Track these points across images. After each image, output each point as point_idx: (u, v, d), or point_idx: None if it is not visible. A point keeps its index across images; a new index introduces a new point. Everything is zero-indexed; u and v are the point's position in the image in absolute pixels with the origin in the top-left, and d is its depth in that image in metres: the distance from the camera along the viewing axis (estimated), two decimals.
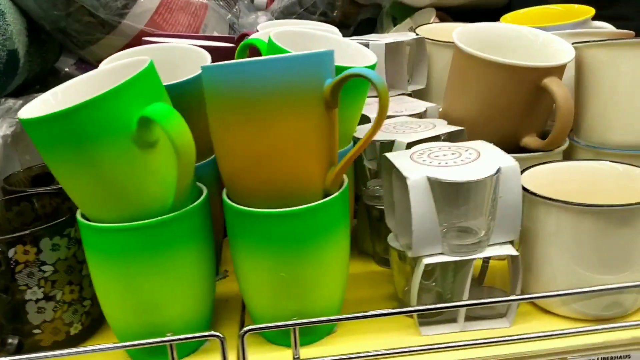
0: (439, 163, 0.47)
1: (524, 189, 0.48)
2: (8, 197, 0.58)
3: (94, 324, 0.54)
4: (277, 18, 1.09)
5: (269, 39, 0.51)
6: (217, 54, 0.57)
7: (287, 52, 0.49)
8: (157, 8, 0.75)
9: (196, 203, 0.46)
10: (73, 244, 0.51)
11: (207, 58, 0.55)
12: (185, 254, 0.46)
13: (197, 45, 0.59)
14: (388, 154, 0.51)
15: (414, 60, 0.77)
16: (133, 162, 0.42)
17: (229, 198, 0.46)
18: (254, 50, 0.59)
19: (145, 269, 0.45)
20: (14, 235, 0.48)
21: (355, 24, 1.04)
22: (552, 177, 0.53)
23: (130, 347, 0.47)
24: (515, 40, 0.61)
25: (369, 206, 0.60)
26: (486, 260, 0.55)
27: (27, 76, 0.77)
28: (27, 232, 0.48)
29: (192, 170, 0.42)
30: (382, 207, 0.58)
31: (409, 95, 0.75)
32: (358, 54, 0.55)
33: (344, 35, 0.91)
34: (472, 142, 0.51)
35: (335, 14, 1.08)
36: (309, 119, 0.42)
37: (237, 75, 0.41)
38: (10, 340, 0.50)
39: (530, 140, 0.58)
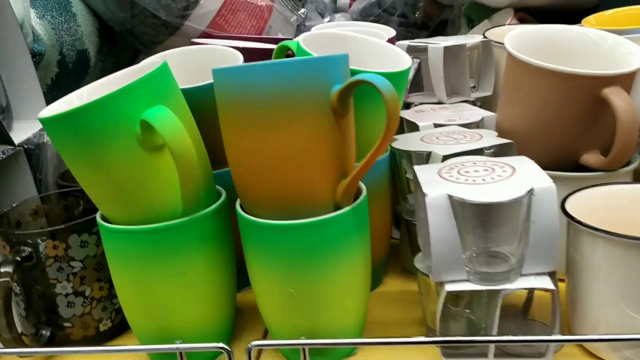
0: (466, 180, 0.43)
1: (566, 214, 0.43)
2: (57, 191, 0.60)
3: (123, 321, 0.55)
4: (355, 19, 1.06)
5: (298, 42, 0.49)
6: (260, 57, 0.56)
7: (309, 54, 0.47)
8: (220, 9, 0.76)
9: (209, 209, 0.45)
10: (102, 242, 0.52)
11: (239, 60, 0.54)
12: (198, 260, 0.45)
13: (257, 48, 0.58)
14: (416, 167, 0.47)
15: (481, 65, 0.71)
16: (140, 164, 0.41)
17: (241, 207, 0.45)
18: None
19: (156, 272, 0.44)
20: (45, 230, 0.50)
21: (433, 26, 0.99)
22: (609, 202, 0.46)
23: (139, 352, 0.47)
24: (578, 43, 0.55)
25: (408, 222, 0.56)
26: (531, 290, 0.49)
27: (101, 75, 0.81)
28: (57, 227, 0.50)
29: (195, 176, 0.41)
30: None
31: (473, 102, 0.70)
32: (394, 56, 0.52)
33: (420, 38, 0.87)
34: (512, 158, 0.46)
35: (416, 15, 1.04)
36: (315, 126, 0.40)
37: (244, 78, 0.40)
38: (43, 332, 0.52)
39: (591, 157, 0.51)
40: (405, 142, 0.55)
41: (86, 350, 0.49)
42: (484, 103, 0.71)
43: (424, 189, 0.42)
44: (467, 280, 0.43)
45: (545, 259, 0.42)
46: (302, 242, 0.41)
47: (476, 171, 0.44)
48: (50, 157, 0.62)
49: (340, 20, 1.04)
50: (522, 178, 0.42)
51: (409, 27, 1.05)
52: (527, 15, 0.84)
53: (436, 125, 0.61)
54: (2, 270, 0.47)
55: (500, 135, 0.54)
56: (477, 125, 0.61)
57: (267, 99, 0.39)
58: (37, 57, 0.63)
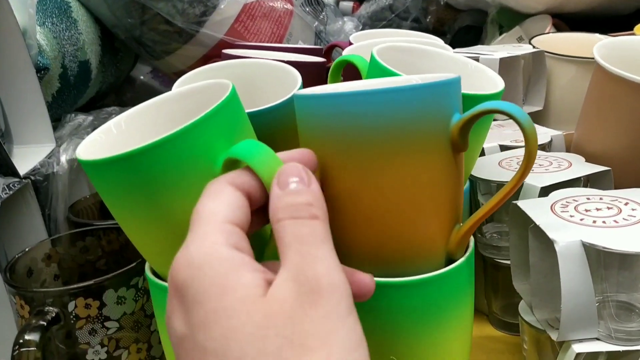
0: (594, 222, 0.37)
1: None
2: (73, 231, 0.52)
3: None
4: (364, 24, 1.00)
5: (372, 57, 0.42)
6: (305, 71, 0.48)
7: (395, 74, 0.40)
8: (238, 15, 0.68)
9: None
10: (141, 295, 0.44)
11: (296, 78, 0.46)
12: None
13: (282, 60, 0.50)
14: (520, 203, 0.41)
15: (530, 77, 0.66)
16: None
17: None
18: (349, 69, 0.51)
19: None
20: (75, 286, 0.42)
21: (453, 33, 0.93)
22: None
23: None
24: None
25: (484, 257, 0.50)
26: None
27: (100, 87, 0.72)
28: (90, 282, 0.42)
29: None
30: (503, 261, 0.48)
31: None
32: (479, 75, 0.46)
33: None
34: (630, 192, 0.41)
35: (428, 20, 0.98)
36: (432, 166, 0.33)
37: (341, 108, 0.32)
38: None
39: None
40: (482, 169, 0.48)
41: None
42: (533, 118, 0.66)
43: (551, 235, 0.36)
44: (597, 339, 0.37)
45: None
46: (412, 302, 0.34)
47: (598, 209, 0.38)
48: (62, 189, 0.53)
49: (348, 25, 0.97)
50: None
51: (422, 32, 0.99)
52: (561, 22, 0.79)
53: (502, 147, 0.55)
54: (27, 338, 0.39)
55: (587, 160, 0.49)
56: (544, 147, 0.55)
57: (373, 133, 0.32)
58: (42, 72, 0.54)
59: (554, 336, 0.37)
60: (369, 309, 0.35)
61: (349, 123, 0.32)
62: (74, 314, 0.41)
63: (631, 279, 0.37)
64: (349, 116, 0.32)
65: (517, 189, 0.33)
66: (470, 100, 0.36)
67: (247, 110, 0.39)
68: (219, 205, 0.26)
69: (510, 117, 0.32)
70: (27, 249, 0.48)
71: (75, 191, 0.58)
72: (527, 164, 0.32)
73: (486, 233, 0.50)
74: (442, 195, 0.34)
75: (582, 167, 0.46)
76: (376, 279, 0.34)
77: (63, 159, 0.55)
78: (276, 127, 0.43)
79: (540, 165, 0.48)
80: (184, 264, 0.25)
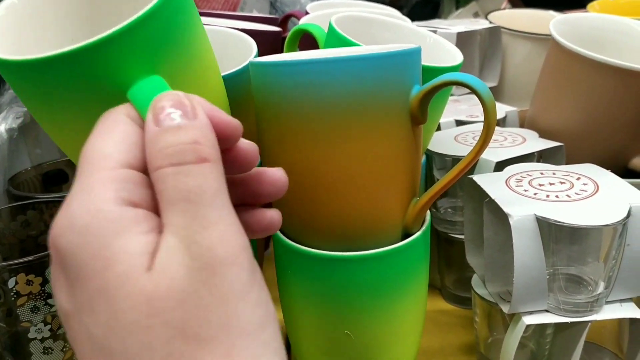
0: (547, 196, 0.37)
1: None
2: (13, 204, 0.49)
3: None
4: None
5: (330, 26, 0.41)
6: (260, 40, 0.47)
7: (355, 44, 0.39)
8: None
9: None
10: None
11: (251, 46, 0.45)
12: None
13: (236, 28, 0.49)
14: (476, 177, 0.41)
15: (485, 53, 0.66)
16: None
17: (282, 232, 0.37)
18: (306, 39, 0.49)
19: None
20: (15, 262, 0.39)
21: (409, 7, 0.92)
22: None
23: None
24: (622, 36, 0.50)
25: (438, 232, 0.50)
26: None
27: None
28: (31, 258, 0.40)
29: None
30: (457, 236, 0.48)
31: None
32: (437, 48, 0.45)
33: None
34: (582, 167, 0.41)
35: None
36: (391, 137, 0.32)
37: (298, 77, 0.31)
38: None
39: None
40: (439, 144, 0.48)
41: None
42: None
43: (506, 209, 0.36)
44: (547, 311, 0.37)
45: (634, 285, 0.37)
46: (369, 276, 0.34)
47: (552, 184, 0.39)
48: (1, 160, 0.50)
49: None
50: (612, 194, 0.37)
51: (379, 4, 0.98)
52: None
53: (458, 122, 0.55)
54: None
55: (541, 135, 0.49)
56: (498, 122, 0.56)
57: (332, 103, 0.31)
58: None
59: (505, 309, 0.37)
60: (326, 284, 0.35)
61: (307, 92, 0.31)
62: (14, 291, 0.39)
63: (580, 253, 0.37)
64: (307, 85, 0.31)
65: (474, 162, 0.33)
66: (429, 72, 0.35)
67: None
68: (111, 145, 0.21)
69: (471, 89, 0.31)
70: None
71: (16, 163, 0.55)
72: (486, 137, 0.32)
73: (440, 208, 0.50)
74: (400, 168, 0.33)
75: (536, 143, 0.47)
76: (334, 253, 0.34)
77: (2, 128, 0.52)
78: (231, 97, 0.41)
79: (495, 140, 0.48)
80: (65, 226, 0.20)
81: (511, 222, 0.35)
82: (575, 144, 0.48)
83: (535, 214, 0.35)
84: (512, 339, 0.38)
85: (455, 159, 0.47)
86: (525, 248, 0.35)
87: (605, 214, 0.35)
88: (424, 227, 0.36)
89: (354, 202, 0.33)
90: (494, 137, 0.49)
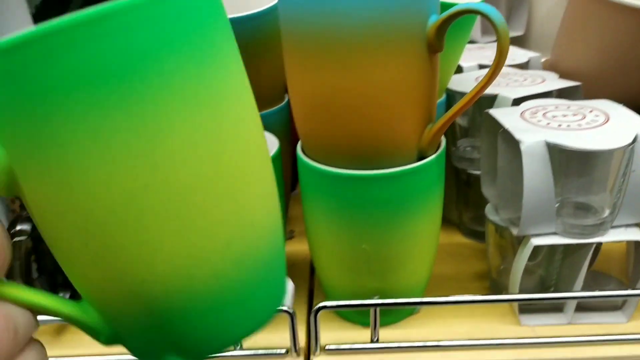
0: (559, 125, 0.39)
1: None
2: None
3: None
4: None
5: None
6: None
7: None
8: None
9: None
10: None
11: None
12: None
13: None
14: (492, 111, 0.43)
15: (512, 3, 0.67)
16: None
17: (303, 152, 0.40)
18: None
19: None
20: None
21: None
22: None
23: None
24: None
25: (457, 169, 0.52)
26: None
27: None
28: None
29: None
30: (474, 172, 0.50)
31: None
32: None
33: None
34: (596, 102, 0.43)
35: None
36: (408, 64, 0.35)
37: (322, 8, 0.34)
38: (61, 294, 0.46)
39: None
40: (460, 84, 0.50)
41: None
42: (514, 43, 0.67)
43: (517, 136, 0.38)
44: (554, 234, 0.40)
45: (639, 210, 0.39)
46: (384, 194, 0.37)
47: (564, 115, 0.41)
48: None
49: None
50: (620, 123, 0.39)
51: None
52: None
53: (481, 67, 0.56)
54: (19, 228, 0.41)
55: (560, 77, 0.51)
56: (522, 66, 0.57)
57: (354, 32, 0.33)
58: None
59: (514, 231, 0.40)
60: (345, 201, 0.38)
61: (331, 20, 0.34)
62: None
63: (588, 180, 0.39)
64: (330, 15, 0.34)
65: (487, 86, 0.35)
66: (449, 8, 0.37)
67: (230, 16, 0.40)
68: None
69: (484, 15, 0.33)
70: None
71: None
72: (499, 61, 0.34)
73: (460, 146, 0.52)
74: (417, 93, 0.36)
75: (554, 82, 0.48)
76: (353, 172, 0.37)
77: None
78: (260, 35, 0.44)
79: (515, 80, 0.50)
80: None
81: (522, 148, 0.37)
82: (594, 84, 0.49)
83: (545, 140, 0.37)
84: (521, 260, 0.40)
85: (484, 97, 0.48)
86: (535, 173, 0.38)
87: (612, 140, 0.36)
88: (438, 152, 0.38)
89: (372, 124, 0.36)
90: (514, 77, 0.51)
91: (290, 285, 0.23)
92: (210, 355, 0.22)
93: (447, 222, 0.56)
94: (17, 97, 0.17)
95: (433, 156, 0.38)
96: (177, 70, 0.18)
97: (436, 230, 0.41)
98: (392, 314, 0.43)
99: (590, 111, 0.41)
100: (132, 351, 0.22)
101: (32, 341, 0.20)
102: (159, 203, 0.18)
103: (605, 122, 0.39)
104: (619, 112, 0.40)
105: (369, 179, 0.36)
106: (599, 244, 0.46)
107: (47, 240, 0.20)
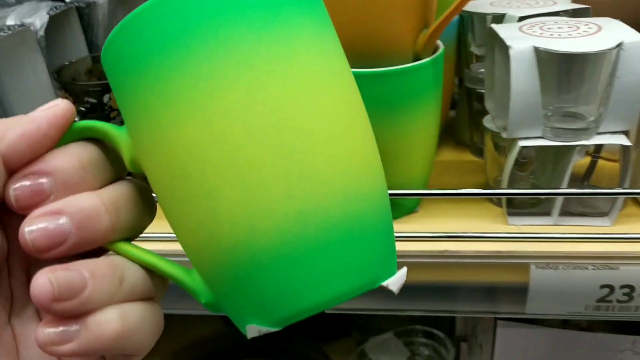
0: (551, 35, 0.42)
1: None
2: None
3: None
4: None
5: None
6: None
7: None
8: None
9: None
10: None
11: None
12: None
13: None
14: (494, 25, 0.45)
15: None
16: None
17: None
18: None
19: None
20: (107, 81, 0.49)
21: None
22: None
23: None
24: None
25: (470, 90, 0.55)
26: (595, 156, 0.49)
27: None
28: None
29: None
30: (483, 91, 0.53)
31: None
32: None
33: None
34: (595, 18, 0.45)
35: None
36: None
37: None
38: None
39: None
40: (474, 5, 0.53)
41: None
42: None
43: (508, 42, 0.41)
44: (541, 138, 0.43)
45: (624, 117, 0.42)
46: (381, 92, 0.41)
47: (560, 28, 0.43)
48: (102, 18, 0.60)
49: None
50: (610, 33, 0.41)
51: None
52: None
53: None
54: None
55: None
56: None
57: None
58: None
59: (504, 135, 0.43)
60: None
61: None
62: (108, 105, 0.49)
63: (576, 89, 0.42)
64: None
65: None
66: None
67: None
68: None
69: None
70: (72, 61, 0.56)
71: (115, 22, 0.66)
72: None
73: (473, 69, 0.55)
74: None
75: (564, 5, 0.50)
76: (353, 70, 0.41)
77: None
78: None
79: (527, 4, 0.52)
80: None
81: (511, 53, 0.40)
82: (605, 8, 0.51)
83: (533, 46, 0.40)
84: (510, 160, 0.43)
85: (495, 15, 0.51)
86: (522, 76, 0.41)
87: (596, 43, 0.39)
88: (434, 55, 0.42)
89: (370, 25, 0.40)
90: (526, 1, 0.53)
91: (402, 270, 0.22)
92: (288, 321, 0.21)
93: (461, 144, 0.60)
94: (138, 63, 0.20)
95: (429, 58, 0.41)
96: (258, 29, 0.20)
97: (431, 133, 0.45)
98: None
99: (586, 25, 0.43)
100: (230, 316, 0.23)
101: (145, 300, 0.22)
102: (256, 151, 0.19)
103: (596, 32, 0.41)
104: (613, 25, 0.43)
105: (366, 77, 0.40)
106: (595, 160, 0.49)
107: (165, 211, 0.22)
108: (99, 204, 0.21)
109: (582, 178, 0.50)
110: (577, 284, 0.43)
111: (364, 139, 0.22)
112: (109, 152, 0.23)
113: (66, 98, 0.51)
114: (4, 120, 0.21)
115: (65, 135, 0.22)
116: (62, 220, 0.20)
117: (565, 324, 0.55)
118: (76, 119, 0.22)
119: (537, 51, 0.40)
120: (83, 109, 0.49)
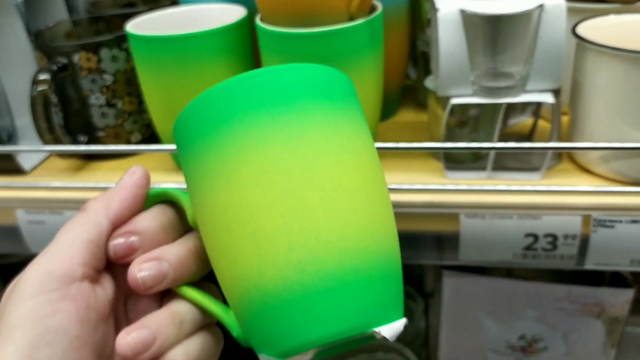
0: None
1: (574, 34, 0.44)
2: (92, 16, 0.63)
3: (153, 137, 0.59)
4: None
5: None
6: None
7: None
8: None
9: (230, 23, 0.47)
10: (131, 59, 0.55)
11: None
12: (214, 69, 0.48)
13: None
14: None
15: None
16: None
17: (261, 20, 0.47)
18: None
19: (180, 78, 0.48)
20: (77, 43, 0.53)
21: None
22: (620, 31, 0.47)
23: (165, 151, 0.52)
24: None
25: (425, 54, 0.58)
26: (536, 116, 0.52)
27: None
28: (89, 41, 0.53)
29: None
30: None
31: None
32: None
33: None
34: None
35: None
36: None
37: None
38: (81, 138, 0.56)
39: None
40: None
41: (119, 150, 0.54)
42: None
43: (437, 4, 0.43)
44: (472, 96, 0.45)
45: (549, 76, 0.44)
46: (316, 51, 0.44)
47: None
48: None
49: None
50: None
51: None
52: None
53: None
54: (41, 78, 0.51)
55: None
56: None
57: None
58: None
59: (438, 93, 0.46)
60: (285, 57, 0.45)
61: None
62: (78, 65, 0.53)
63: (502, 49, 0.44)
64: None
65: None
66: None
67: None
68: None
69: None
70: (51, 25, 0.59)
71: None
72: None
73: (427, 33, 0.57)
74: None
75: None
76: (289, 30, 0.44)
77: None
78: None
79: None
80: None
81: (438, 15, 0.43)
82: None
83: (459, 8, 0.43)
84: (444, 116, 0.46)
85: None
86: (450, 37, 0.43)
87: (517, 5, 0.41)
88: (370, 17, 0.45)
89: None
90: None
91: (400, 321, 0.26)
92: (291, 354, 0.25)
93: (420, 105, 0.62)
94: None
95: (363, 19, 0.44)
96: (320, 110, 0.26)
97: (371, 91, 0.48)
98: None
99: None
100: (253, 347, 0.27)
101: (199, 331, 0.29)
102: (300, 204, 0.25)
103: None
104: None
105: (304, 37, 0.43)
106: (536, 120, 0.52)
107: (210, 260, 0.28)
108: (187, 252, 0.28)
109: (526, 137, 0.53)
110: (504, 232, 0.46)
111: (367, 205, 0.26)
112: (180, 211, 0.30)
113: (42, 59, 0.55)
114: (105, 195, 0.29)
115: (147, 200, 0.30)
116: (164, 264, 0.28)
117: (509, 275, 0.58)
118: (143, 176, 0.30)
119: (464, 13, 0.43)
120: (56, 67, 0.52)
